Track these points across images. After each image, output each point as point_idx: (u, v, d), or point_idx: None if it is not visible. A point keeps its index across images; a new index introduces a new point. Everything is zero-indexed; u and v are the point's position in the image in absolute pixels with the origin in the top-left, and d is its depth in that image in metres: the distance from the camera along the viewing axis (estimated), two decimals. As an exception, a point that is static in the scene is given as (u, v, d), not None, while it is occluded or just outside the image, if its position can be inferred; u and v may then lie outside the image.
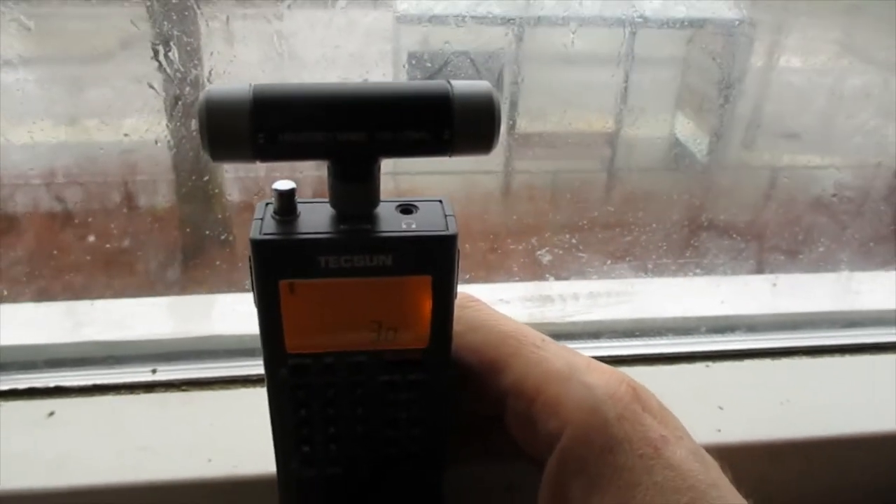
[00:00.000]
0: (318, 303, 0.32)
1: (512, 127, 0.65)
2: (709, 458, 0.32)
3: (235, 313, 0.60)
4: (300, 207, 0.31)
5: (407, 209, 0.32)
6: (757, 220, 0.76)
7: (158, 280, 0.68)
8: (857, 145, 0.78)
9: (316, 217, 0.31)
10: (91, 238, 0.62)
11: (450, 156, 0.30)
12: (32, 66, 0.56)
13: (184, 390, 0.52)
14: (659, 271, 0.66)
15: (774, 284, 0.65)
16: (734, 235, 0.72)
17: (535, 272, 0.63)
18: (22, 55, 0.54)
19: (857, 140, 0.77)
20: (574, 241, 0.65)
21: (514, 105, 0.65)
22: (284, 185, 0.31)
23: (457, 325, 0.34)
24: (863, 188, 0.76)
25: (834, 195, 0.74)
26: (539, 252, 0.64)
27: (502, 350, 0.35)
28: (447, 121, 0.29)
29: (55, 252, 0.63)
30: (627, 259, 0.67)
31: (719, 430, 0.51)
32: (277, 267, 0.30)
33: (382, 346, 0.33)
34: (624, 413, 0.31)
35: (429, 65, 0.60)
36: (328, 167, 0.31)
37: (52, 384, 0.52)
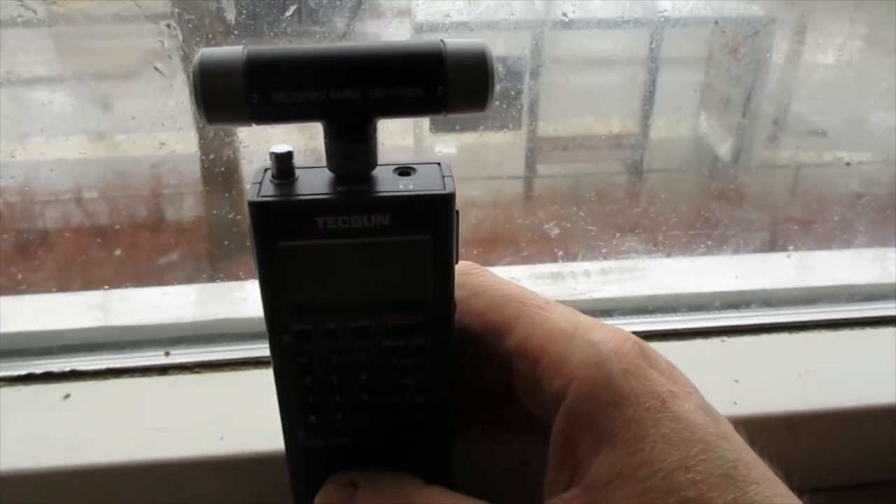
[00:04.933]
0: (318, 266, 0.32)
1: (533, 131, 0.65)
2: (720, 414, 0.32)
3: (247, 299, 0.60)
4: (298, 172, 0.32)
5: (405, 171, 0.32)
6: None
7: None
8: (887, 141, 0.77)
9: (314, 180, 0.31)
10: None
11: (444, 114, 0.30)
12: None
13: (196, 372, 0.52)
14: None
15: (789, 257, 0.64)
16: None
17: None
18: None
19: (888, 136, 0.76)
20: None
21: (534, 108, 0.65)
22: (281, 147, 0.31)
23: (460, 291, 0.34)
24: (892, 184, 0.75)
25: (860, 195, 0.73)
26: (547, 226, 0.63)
27: (506, 313, 0.35)
28: (440, 77, 0.29)
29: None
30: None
31: (735, 403, 0.50)
32: (275, 229, 0.30)
33: (383, 310, 0.33)
34: (629, 368, 0.31)
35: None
36: (324, 129, 0.31)
37: (67, 368, 0.53)
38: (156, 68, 0.54)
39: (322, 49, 0.29)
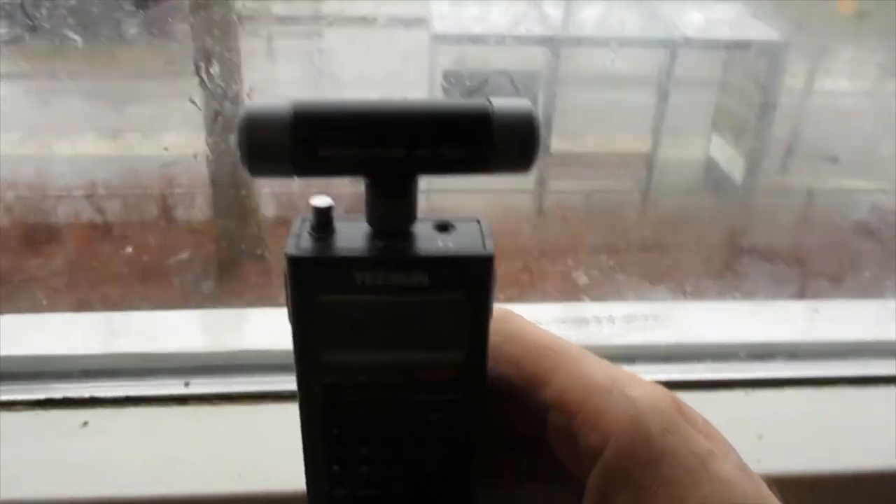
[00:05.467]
0: (353, 320, 0.31)
1: (547, 147, 0.65)
2: (755, 474, 0.31)
3: (268, 328, 0.60)
4: (336, 223, 0.31)
5: (444, 228, 0.32)
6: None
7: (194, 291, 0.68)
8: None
9: (352, 233, 0.31)
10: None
11: (488, 174, 0.29)
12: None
13: (216, 404, 0.52)
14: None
15: (816, 311, 0.64)
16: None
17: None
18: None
19: None
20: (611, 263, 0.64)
21: (549, 124, 0.65)
22: (322, 200, 0.31)
23: (495, 338, 0.34)
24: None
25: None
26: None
27: (542, 363, 0.34)
28: (486, 138, 0.28)
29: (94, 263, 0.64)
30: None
31: (759, 461, 0.49)
32: (313, 283, 0.30)
33: (417, 366, 0.33)
34: (668, 425, 0.30)
35: (467, 83, 0.60)
36: (365, 183, 0.30)
37: (86, 394, 0.52)
38: None
39: (369, 105, 0.29)
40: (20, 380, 0.54)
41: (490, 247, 0.31)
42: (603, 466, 0.31)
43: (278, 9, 0.59)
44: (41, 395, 0.52)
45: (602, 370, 0.34)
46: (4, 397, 0.52)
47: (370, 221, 0.31)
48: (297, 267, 0.30)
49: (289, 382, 0.53)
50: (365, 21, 0.59)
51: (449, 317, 0.31)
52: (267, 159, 0.28)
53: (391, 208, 0.31)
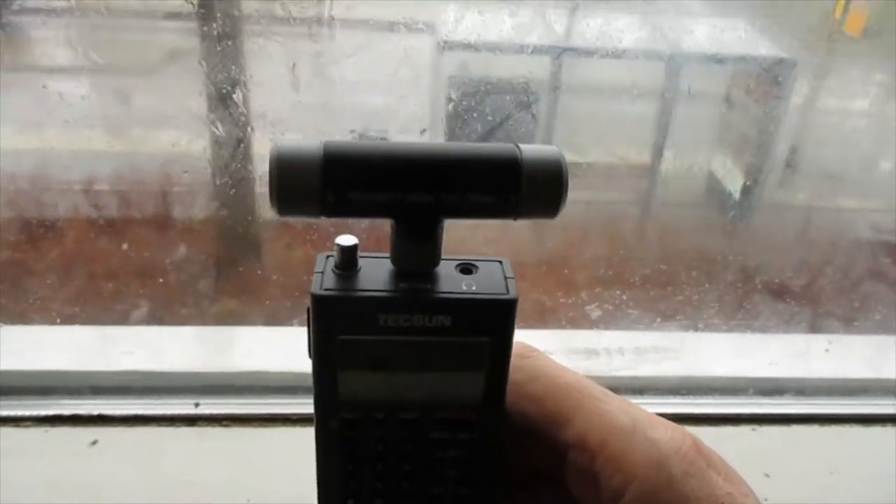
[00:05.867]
0: (374, 358, 0.31)
1: None
2: None
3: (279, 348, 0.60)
4: (360, 262, 0.31)
5: (467, 269, 0.32)
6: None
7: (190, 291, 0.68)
8: None
9: (376, 273, 0.31)
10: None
11: (514, 219, 0.30)
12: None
13: (225, 426, 0.52)
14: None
15: (827, 350, 0.64)
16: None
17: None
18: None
19: None
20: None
21: (549, 134, 0.65)
22: (347, 240, 0.31)
23: (517, 375, 0.34)
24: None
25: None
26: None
27: (564, 402, 0.34)
28: (515, 186, 0.28)
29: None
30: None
31: (766, 500, 0.49)
32: (337, 322, 0.30)
33: (435, 404, 0.33)
34: (689, 469, 0.30)
35: (472, 91, 0.60)
36: (392, 225, 0.30)
37: (95, 412, 0.52)
38: None
39: (398, 149, 0.29)
40: (27, 395, 0.54)
41: (513, 290, 0.31)
42: None
43: (279, 10, 0.59)
44: (50, 412, 0.52)
45: (624, 410, 0.34)
46: (11, 412, 0.52)
47: (394, 262, 0.31)
48: (322, 305, 0.30)
49: (296, 405, 0.53)
50: (370, 25, 0.60)
51: (469, 357, 0.31)
52: (296, 201, 0.28)
53: (416, 250, 0.31)
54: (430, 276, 0.31)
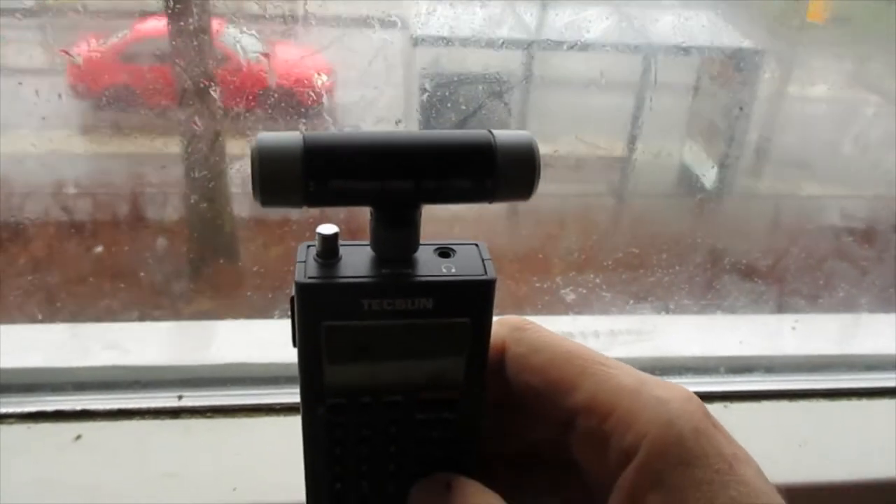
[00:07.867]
0: (358, 343, 0.32)
1: None
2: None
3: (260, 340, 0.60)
4: (341, 250, 0.32)
5: (445, 253, 0.33)
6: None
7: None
8: (868, 176, 0.78)
9: (358, 260, 0.32)
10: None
11: (490, 202, 0.31)
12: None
13: (209, 417, 0.53)
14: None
15: (794, 328, 0.66)
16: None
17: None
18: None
19: (869, 171, 0.78)
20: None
21: (522, 126, 0.66)
22: (328, 228, 0.32)
23: (518, 348, 0.35)
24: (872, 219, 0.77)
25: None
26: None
27: (569, 370, 0.35)
28: (490, 170, 0.30)
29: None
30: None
31: (738, 472, 0.51)
32: (321, 309, 0.31)
33: (419, 386, 0.34)
34: (699, 426, 0.31)
35: (442, 83, 0.61)
36: (371, 212, 0.31)
37: (78, 407, 0.53)
38: None
39: (377, 138, 0.30)
40: (11, 392, 0.54)
41: (491, 271, 0.32)
42: (638, 466, 0.32)
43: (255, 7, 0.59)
44: (33, 408, 0.52)
45: (629, 373, 0.34)
46: (-5, 410, 0.52)
47: (375, 248, 0.32)
48: (306, 293, 0.31)
49: (280, 395, 0.54)
50: (341, 21, 0.61)
51: (451, 338, 0.32)
52: (278, 191, 0.29)
53: (396, 236, 0.32)
54: (410, 261, 0.32)
